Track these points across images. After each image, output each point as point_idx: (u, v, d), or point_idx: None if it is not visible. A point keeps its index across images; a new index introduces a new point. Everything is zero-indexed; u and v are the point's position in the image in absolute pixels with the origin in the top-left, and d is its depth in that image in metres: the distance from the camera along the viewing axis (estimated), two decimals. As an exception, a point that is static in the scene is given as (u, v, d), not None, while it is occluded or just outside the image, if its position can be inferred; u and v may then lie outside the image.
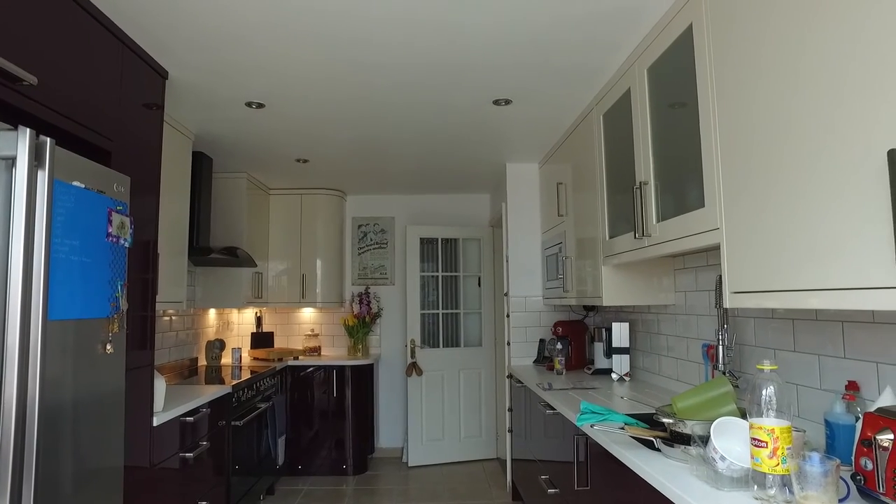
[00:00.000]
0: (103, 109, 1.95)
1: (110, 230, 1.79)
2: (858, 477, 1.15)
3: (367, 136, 3.36)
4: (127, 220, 1.89)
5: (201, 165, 3.52)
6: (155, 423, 2.25)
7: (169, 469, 2.41)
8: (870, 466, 1.12)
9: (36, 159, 1.43)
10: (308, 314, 5.05)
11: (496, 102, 2.84)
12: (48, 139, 1.45)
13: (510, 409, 3.96)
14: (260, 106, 2.83)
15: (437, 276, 4.89)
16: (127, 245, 1.89)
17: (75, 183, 1.61)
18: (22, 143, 1.40)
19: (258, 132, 3.26)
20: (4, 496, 1.32)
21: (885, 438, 1.09)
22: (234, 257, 3.69)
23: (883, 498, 1.09)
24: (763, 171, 1.39)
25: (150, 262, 2.25)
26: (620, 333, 3.10)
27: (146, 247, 2.22)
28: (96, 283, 1.71)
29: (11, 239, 1.38)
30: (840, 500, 1.11)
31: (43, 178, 1.44)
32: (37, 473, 1.37)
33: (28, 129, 1.41)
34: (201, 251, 3.48)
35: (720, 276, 1.59)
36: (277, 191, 4.75)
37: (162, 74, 2.37)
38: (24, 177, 1.39)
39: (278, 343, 4.97)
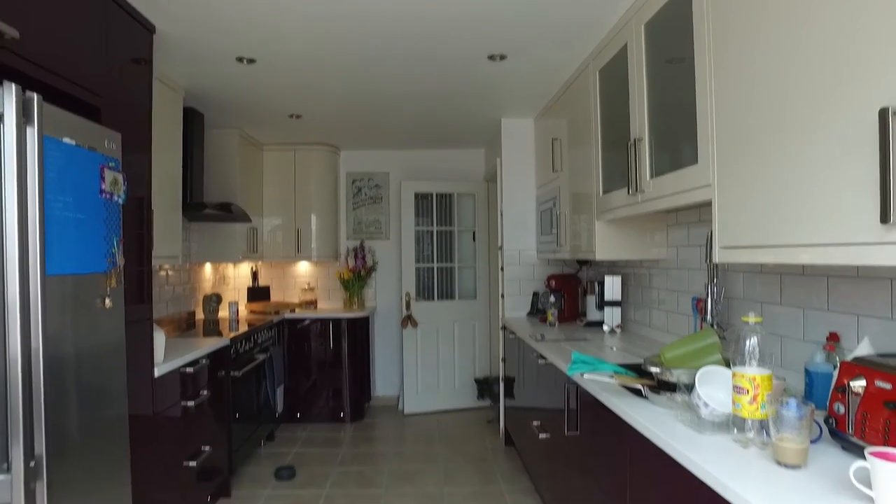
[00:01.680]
0: (90, 65, 1.91)
1: (103, 187, 1.79)
2: (831, 420, 1.21)
3: (361, 90, 3.31)
4: (120, 177, 1.88)
5: (193, 121, 3.47)
6: (156, 374, 2.30)
7: (172, 417, 2.49)
8: (842, 410, 1.17)
9: (24, 115, 1.41)
10: (303, 268, 5.08)
11: (491, 58, 2.80)
12: (35, 94, 1.43)
13: (503, 360, 4.06)
14: (251, 61, 2.78)
15: (432, 231, 4.91)
16: (121, 201, 1.89)
17: (66, 139, 1.60)
18: (8, 98, 1.38)
19: (250, 87, 3.21)
20: (18, 445, 1.37)
21: (858, 385, 1.14)
22: (228, 213, 3.69)
23: (851, 438, 1.15)
24: (757, 128, 1.40)
25: (144, 218, 2.25)
26: (613, 287, 3.16)
27: (140, 203, 2.22)
28: (92, 239, 1.73)
29: (4, 195, 1.38)
30: (812, 441, 1.17)
31: (32, 134, 1.43)
32: (47, 423, 1.42)
33: (14, 84, 1.39)
34: (195, 207, 3.48)
35: (711, 231, 1.62)
36: (271, 146, 4.70)
37: (149, 28, 2.31)
38: (13, 133, 1.38)
39: (274, 297, 5.02)
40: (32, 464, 1.40)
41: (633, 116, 2.19)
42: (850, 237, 1.09)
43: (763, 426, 1.24)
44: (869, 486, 0.96)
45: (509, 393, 3.86)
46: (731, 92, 1.51)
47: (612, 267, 3.44)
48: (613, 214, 2.49)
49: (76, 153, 1.65)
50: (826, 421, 1.23)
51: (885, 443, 1.06)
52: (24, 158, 1.41)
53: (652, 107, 2.07)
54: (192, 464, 2.63)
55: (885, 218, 0.99)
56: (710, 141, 1.62)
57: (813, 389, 1.51)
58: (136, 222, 2.18)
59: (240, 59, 2.75)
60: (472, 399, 4.91)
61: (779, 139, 1.31)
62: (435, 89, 3.32)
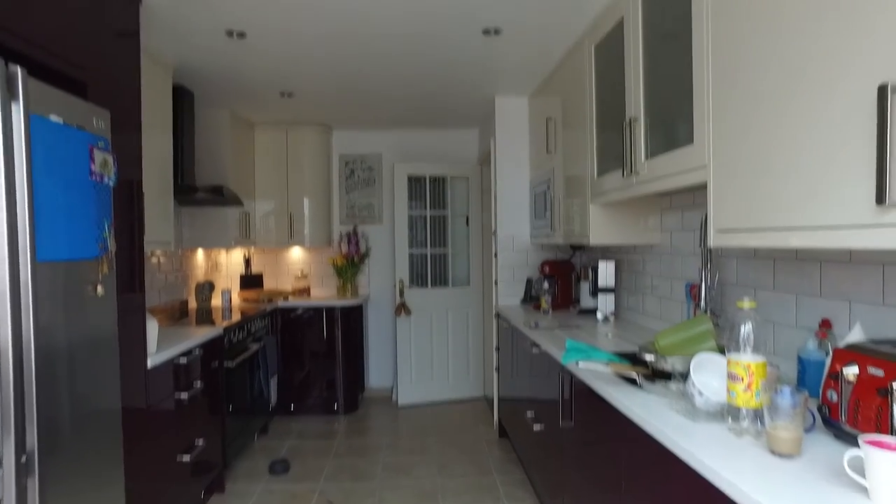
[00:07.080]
0: (74, 36, 1.84)
1: (93, 168, 1.76)
2: (824, 408, 1.21)
3: (353, 67, 3.26)
4: (110, 158, 1.85)
5: (182, 100, 3.41)
6: (149, 366, 2.26)
7: (165, 410, 2.46)
8: (835, 398, 1.18)
9: (8, 90, 1.36)
10: (296, 254, 5.05)
11: (486, 32, 2.76)
12: (19, 67, 1.37)
13: (497, 349, 4.06)
14: (241, 35, 2.73)
15: (426, 215, 4.88)
16: (111, 184, 1.86)
17: (52, 117, 1.55)
18: (-10, 72, 1.33)
19: (240, 63, 3.15)
20: (10, 437, 1.34)
21: (850, 372, 1.14)
22: (220, 196, 3.65)
23: (844, 427, 1.16)
24: (753, 107, 1.38)
25: (135, 202, 2.21)
26: (606, 273, 3.15)
27: (130, 185, 2.18)
28: (82, 224, 1.69)
29: (-9, 178, 1.34)
30: (806, 430, 1.18)
31: (18, 111, 1.37)
32: (38, 415, 1.39)
33: (-5, 57, 1.34)
34: (187, 190, 3.44)
35: (706, 215, 1.61)
36: (262, 125, 4.64)
37: (134, -2, 2.24)
38: (-2, 109, 1.33)
39: (267, 284, 5.00)
40: (24, 459, 1.37)
41: (629, 94, 2.17)
42: (843, 220, 1.09)
43: (757, 415, 1.25)
44: (863, 474, 0.96)
45: (503, 383, 3.87)
46: (728, 67, 1.49)
47: (606, 252, 3.44)
48: (607, 198, 2.47)
49: (64, 132, 1.61)
50: (819, 409, 1.23)
51: (877, 430, 1.06)
52: (9, 137, 1.36)
53: (648, 84, 2.05)
54: (186, 458, 2.59)
55: (880, 199, 0.98)
56: (707, 119, 1.60)
57: (805, 377, 1.52)
58: (126, 206, 2.14)
59: (229, 33, 2.70)
60: (465, 390, 4.92)
61: (773, 117, 1.29)
62: (429, 67, 3.28)
